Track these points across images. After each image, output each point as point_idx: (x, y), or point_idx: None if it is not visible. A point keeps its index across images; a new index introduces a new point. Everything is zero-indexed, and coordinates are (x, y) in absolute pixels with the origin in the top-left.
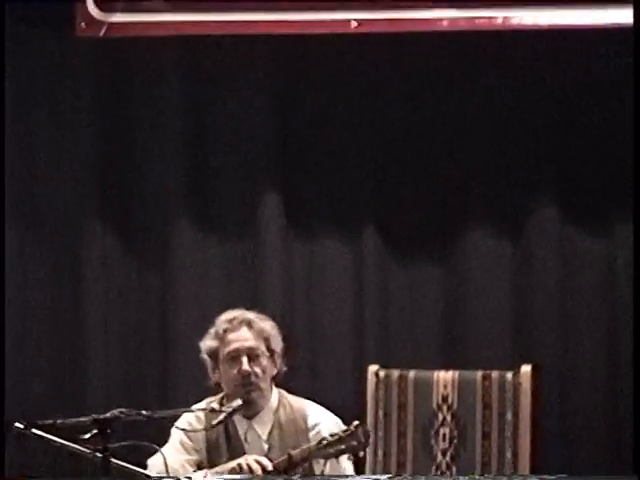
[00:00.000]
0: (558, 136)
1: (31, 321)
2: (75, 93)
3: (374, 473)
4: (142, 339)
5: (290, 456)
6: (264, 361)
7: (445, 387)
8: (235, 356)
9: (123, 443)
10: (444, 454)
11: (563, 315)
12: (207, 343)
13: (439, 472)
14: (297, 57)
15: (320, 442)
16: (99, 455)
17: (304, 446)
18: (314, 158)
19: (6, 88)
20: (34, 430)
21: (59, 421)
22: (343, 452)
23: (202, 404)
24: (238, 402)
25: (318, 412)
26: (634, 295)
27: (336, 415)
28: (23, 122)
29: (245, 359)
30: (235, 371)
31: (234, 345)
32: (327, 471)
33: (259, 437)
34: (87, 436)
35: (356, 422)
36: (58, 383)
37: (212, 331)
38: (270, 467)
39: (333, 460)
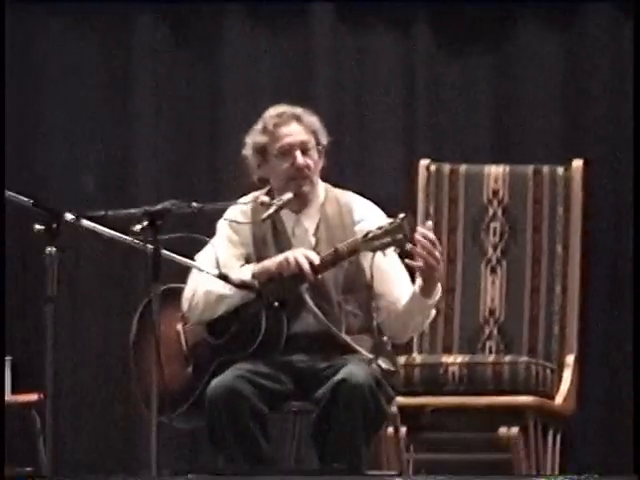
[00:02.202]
0: None
1: (80, 115)
2: None
3: None
4: (192, 131)
5: (336, 250)
6: (314, 154)
7: (496, 181)
8: (287, 150)
9: (173, 235)
10: (495, 248)
11: (614, 109)
12: (255, 138)
13: (489, 267)
14: None
15: (366, 235)
16: (149, 247)
17: (350, 240)
18: None
19: None
20: (84, 221)
21: (110, 212)
22: (389, 245)
23: (249, 198)
24: (289, 195)
25: (364, 205)
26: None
27: (386, 211)
28: None
29: (298, 153)
30: (287, 165)
31: (287, 140)
32: (375, 265)
33: (306, 231)
34: (138, 228)
35: (402, 214)
36: (109, 176)
37: (260, 126)
38: (317, 261)
39: (379, 253)
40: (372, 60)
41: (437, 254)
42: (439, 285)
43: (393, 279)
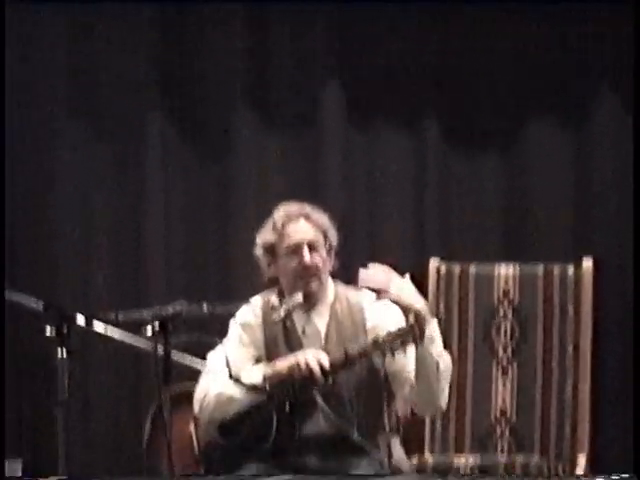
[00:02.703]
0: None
1: (91, 213)
2: None
3: None
4: (203, 230)
5: (347, 353)
6: (323, 253)
7: (506, 281)
8: (295, 248)
9: (184, 338)
10: (505, 349)
11: (624, 208)
12: (264, 237)
13: (500, 367)
14: None
15: (376, 339)
16: (160, 349)
17: (361, 342)
18: (373, 48)
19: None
20: (96, 323)
21: (121, 315)
22: (399, 348)
23: (259, 299)
24: (299, 298)
25: (374, 303)
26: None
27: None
28: (83, 16)
29: (306, 250)
30: (295, 263)
31: (294, 237)
32: (387, 365)
33: (317, 331)
34: (149, 330)
35: (411, 319)
36: (119, 276)
37: (269, 225)
38: (328, 364)
39: (388, 355)
40: (382, 159)
41: (387, 277)
42: (426, 314)
43: (407, 356)
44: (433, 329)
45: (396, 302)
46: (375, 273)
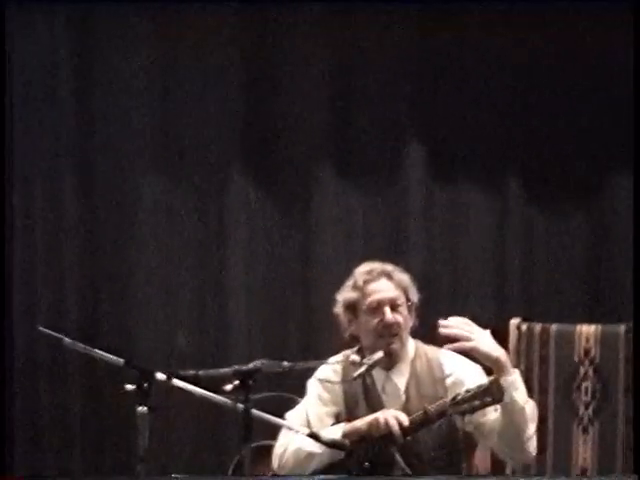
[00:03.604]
0: None
1: (174, 274)
2: (220, 47)
3: None
4: (284, 289)
5: (426, 412)
6: (404, 311)
7: (587, 340)
8: (376, 307)
9: (264, 394)
10: (586, 408)
11: None
12: (346, 295)
13: (581, 426)
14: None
15: (454, 398)
16: (240, 406)
17: (440, 401)
18: (456, 108)
19: (152, 45)
20: (176, 380)
21: (201, 372)
22: (478, 408)
23: (339, 356)
24: (379, 354)
25: (453, 360)
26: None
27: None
28: (168, 74)
29: (387, 309)
30: (376, 321)
31: (376, 296)
32: (469, 419)
33: (397, 389)
34: (229, 387)
35: (491, 377)
36: (201, 334)
37: (350, 283)
38: (407, 423)
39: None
40: (464, 217)
41: (468, 328)
42: (507, 364)
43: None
44: (516, 377)
45: (476, 351)
46: (456, 323)
